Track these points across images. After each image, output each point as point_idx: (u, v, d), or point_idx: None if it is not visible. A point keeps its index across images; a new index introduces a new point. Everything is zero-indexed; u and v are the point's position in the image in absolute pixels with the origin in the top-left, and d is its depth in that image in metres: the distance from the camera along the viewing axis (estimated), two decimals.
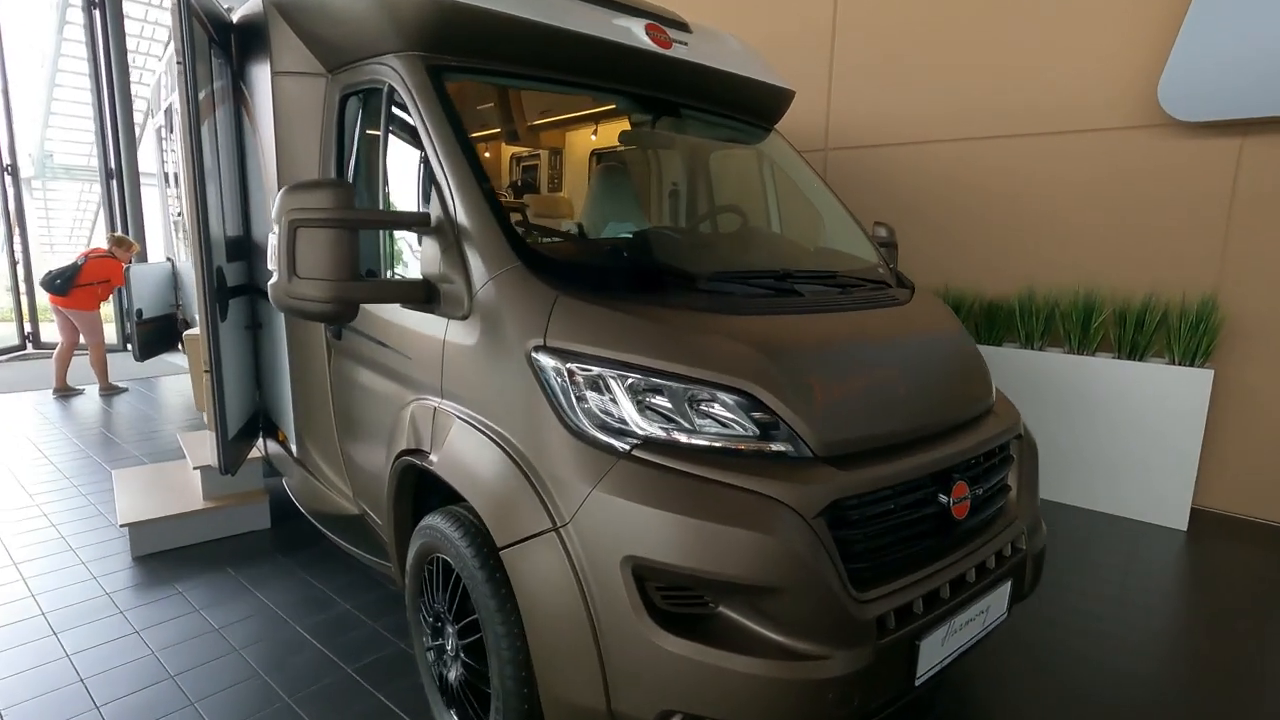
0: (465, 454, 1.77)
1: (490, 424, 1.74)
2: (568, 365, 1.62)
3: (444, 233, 1.89)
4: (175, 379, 7.55)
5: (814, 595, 1.48)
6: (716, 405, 1.58)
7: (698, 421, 1.57)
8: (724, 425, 1.58)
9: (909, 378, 1.95)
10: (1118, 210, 4.20)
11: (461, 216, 1.86)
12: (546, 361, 1.64)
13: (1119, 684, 2.43)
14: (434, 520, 1.94)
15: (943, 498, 1.80)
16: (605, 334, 1.64)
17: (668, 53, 2.52)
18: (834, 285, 2.29)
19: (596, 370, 1.60)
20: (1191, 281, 3.98)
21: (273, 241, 1.77)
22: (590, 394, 1.60)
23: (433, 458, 1.90)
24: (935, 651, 1.71)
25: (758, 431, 1.58)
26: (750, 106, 2.98)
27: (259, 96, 2.95)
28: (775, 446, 1.58)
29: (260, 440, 3.56)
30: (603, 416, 1.58)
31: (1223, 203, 3.91)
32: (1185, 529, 3.85)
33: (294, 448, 3.04)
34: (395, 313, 2.15)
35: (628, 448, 1.54)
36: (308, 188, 1.71)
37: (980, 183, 4.69)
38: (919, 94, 4.88)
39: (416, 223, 1.90)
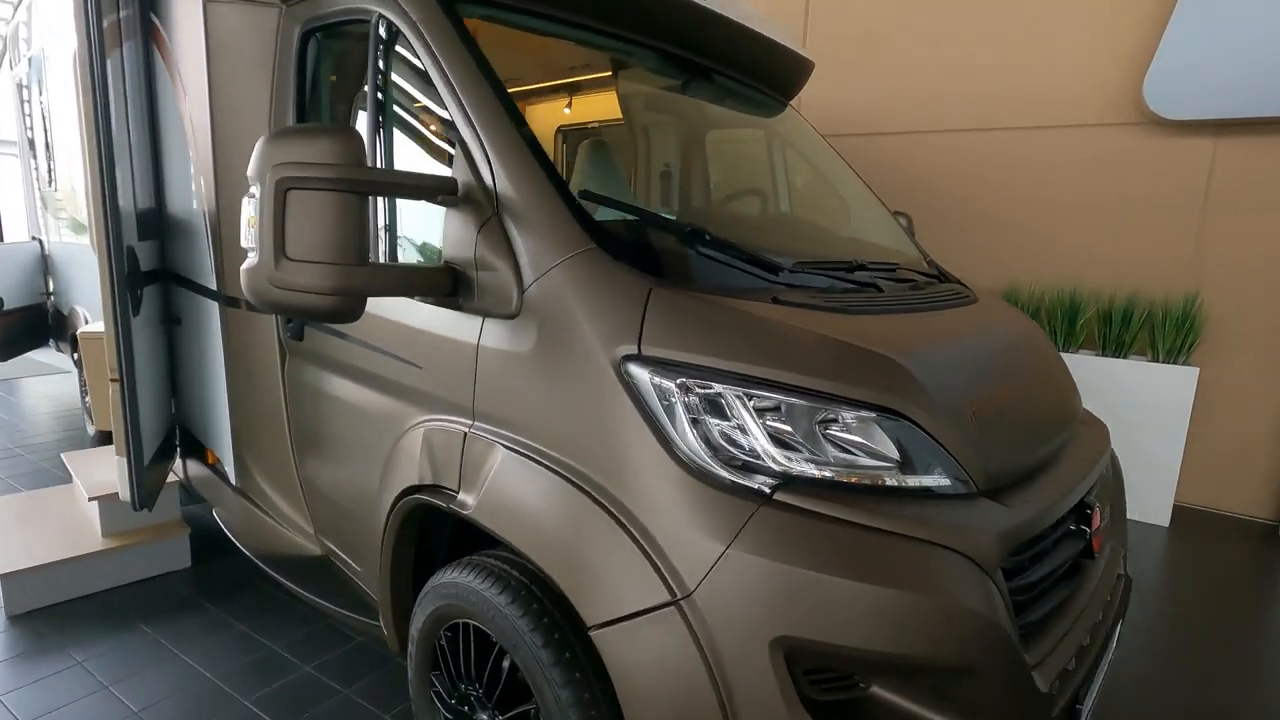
0: (525, 498, 1.35)
1: (560, 457, 1.32)
2: (678, 380, 1.22)
3: (477, 206, 1.44)
4: (46, 381, 6.46)
5: (1004, 669, 1.17)
6: (855, 430, 1.24)
7: (832, 452, 1.23)
8: (861, 455, 1.23)
9: (1031, 389, 1.69)
10: (1101, 206, 4.19)
11: (505, 186, 1.42)
12: (644, 375, 1.24)
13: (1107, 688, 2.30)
14: (461, 578, 1.49)
15: (1084, 528, 1.54)
16: (721, 338, 1.26)
17: (705, 3, 2.15)
18: (902, 280, 2.00)
19: (717, 387, 1.22)
20: (1173, 278, 4.01)
21: (247, 210, 1.28)
22: (710, 418, 1.22)
23: (465, 500, 1.46)
24: (1086, 711, 1.45)
25: (906, 462, 1.25)
26: (773, 75, 2.66)
27: (180, 30, 2.34)
28: (932, 481, 1.26)
29: (178, 461, 2.92)
30: (729, 448, 1.20)
31: (1198, 201, 3.95)
32: (1168, 525, 3.88)
33: (231, 473, 2.46)
34: (393, 307, 1.67)
35: (768, 489, 1.17)
36: (304, 136, 1.23)
37: (963, 176, 4.59)
38: (898, 85, 4.72)
39: (443, 191, 1.44)
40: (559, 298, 1.33)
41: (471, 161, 1.47)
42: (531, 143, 1.46)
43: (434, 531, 1.79)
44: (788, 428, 1.21)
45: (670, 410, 1.22)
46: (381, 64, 1.71)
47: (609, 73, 2.22)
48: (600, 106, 2.78)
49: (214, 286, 2.35)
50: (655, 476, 1.21)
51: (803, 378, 1.23)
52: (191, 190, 2.46)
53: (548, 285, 1.35)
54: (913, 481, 1.23)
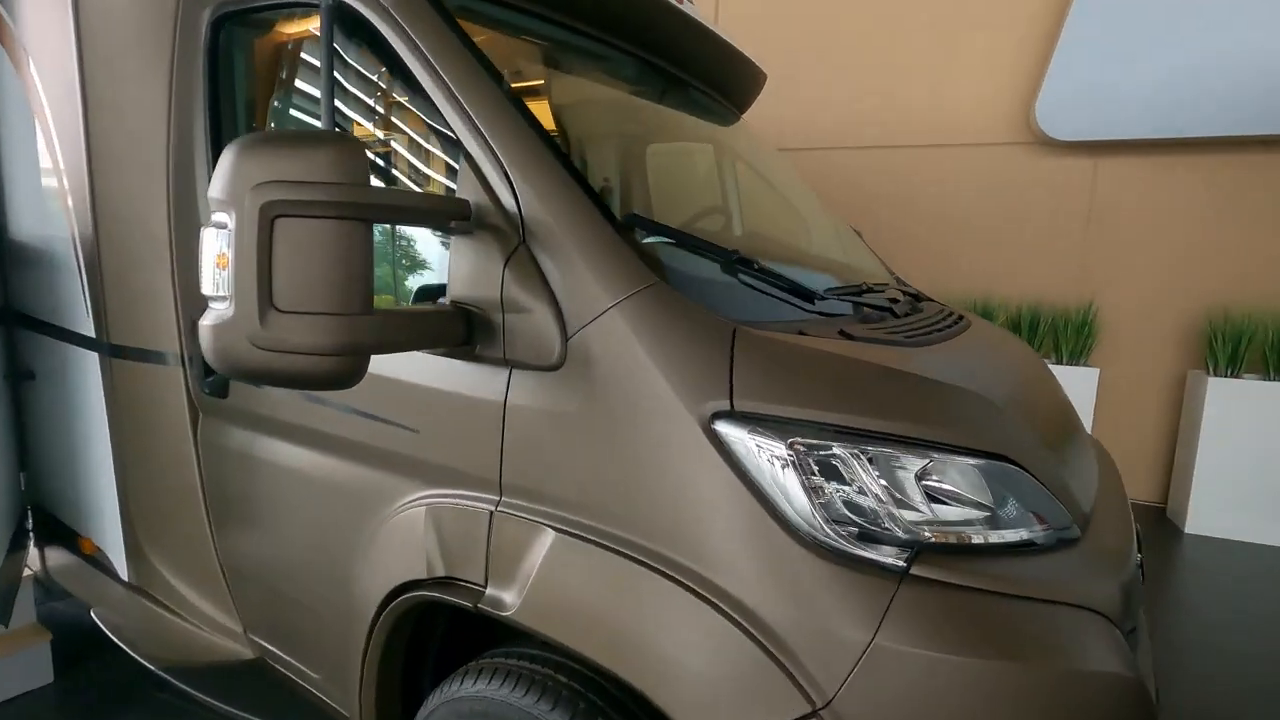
0: (592, 594, 1.09)
1: (636, 540, 1.08)
2: (790, 440, 1.03)
3: (497, 234, 1.17)
4: None
5: None
6: (969, 482, 1.10)
7: (953, 510, 1.08)
8: (979, 509, 1.09)
9: (1060, 415, 1.64)
10: (1000, 221, 4.45)
11: (533, 209, 1.16)
12: (740, 435, 1.04)
13: None
14: (488, 690, 1.21)
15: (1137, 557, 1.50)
16: (824, 386, 1.08)
17: (683, 7, 1.98)
18: (897, 300, 1.92)
19: (835, 446, 1.03)
20: (1070, 287, 4.33)
21: (211, 246, 0.94)
22: (826, 482, 1.03)
23: (500, 597, 1.17)
24: None
25: (1021, 512, 1.12)
26: (732, 87, 2.54)
27: (30, 6, 1.85)
28: (1052, 532, 1.14)
29: (34, 551, 2.33)
30: (852, 516, 1.02)
31: (1083, 216, 4.30)
32: None
33: (120, 565, 1.96)
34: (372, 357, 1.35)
35: (903, 563, 1.00)
36: (294, 146, 0.91)
37: (867, 191, 4.73)
38: (805, 103, 4.81)
39: (457, 215, 1.16)
40: (620, 345, 1.10)
41: (482, 179, 1.20)
42: (561, 155, 1.22)
43: (423, 624, 1.47)
44: (909, 487, 1.05)
45: (778, 475, 1.02)
46: (340, 61, 1.39)
47: (578, 75, 1.99)
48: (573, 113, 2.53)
49: (91, 333, 1.86)
50: (766, 556, 1.01)
51: (920, 428, 1.07)
52: (49, 209, 1.96)
53: (603, 330, 1.11)
54: (1040, 534, 1.11)
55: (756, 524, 1.02)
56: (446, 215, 1.14)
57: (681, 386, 1.06)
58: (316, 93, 1.50)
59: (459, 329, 1.17)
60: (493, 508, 1.21)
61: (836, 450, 1.03)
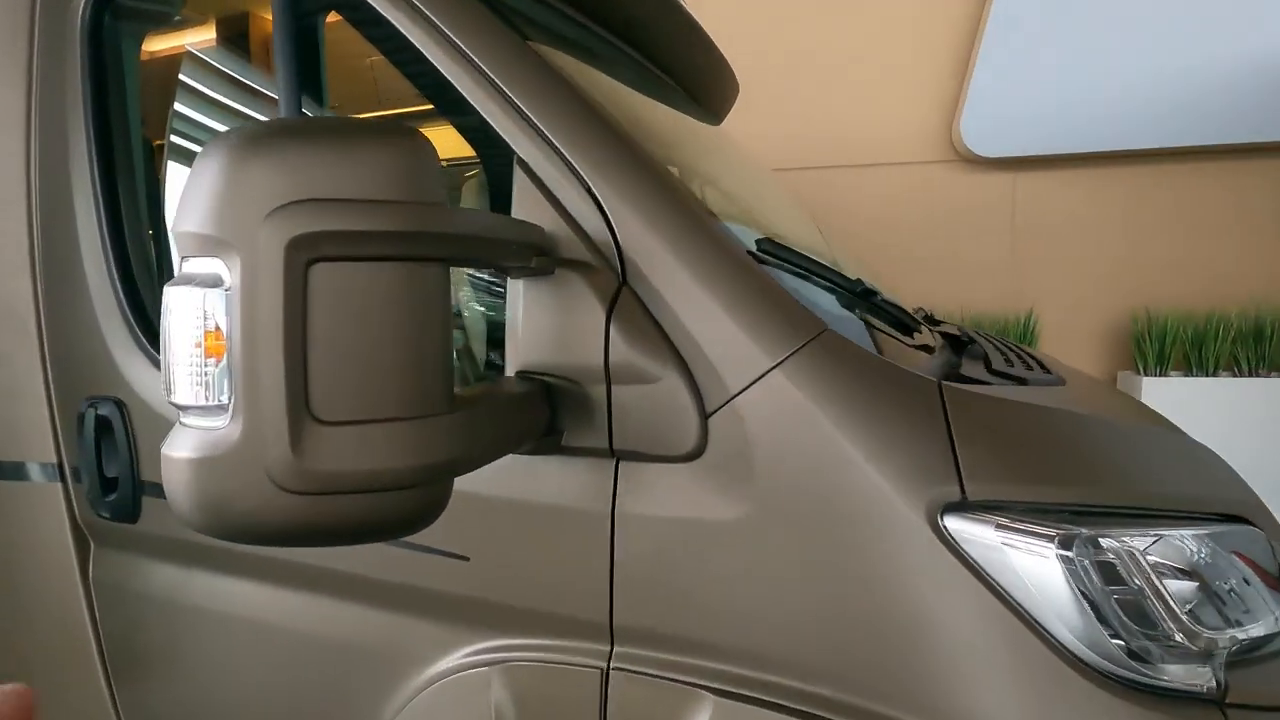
0: None
1: (846, 699, 0.75)
2: (1062, 535, 0.74)
3: (588, 274, 0.82)
4: None
5: None
6: (1222, 559, 0.86)
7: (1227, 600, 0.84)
8: (1246, 588, 0.87)
9: None
10: (934, 237, 4.51)
11: (637, 236, 0.83)
12: (981, 534, 0.74)
13: None
14: None
15: None
16: (1068, 456, 0.81)
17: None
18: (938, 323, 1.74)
19: (1114, 538, 0.76)
20: (1007, 299, 4.42)
21: (184, 318, 0.53)
22: (1105, 585, 0.75)
23: None
24: None
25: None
26: (711, 91, 2.31)
27: None
28: None
29: None
30: (1143, 629, 0.75)
31: (1008, 229, 4.43)
32: None
33: None
34: None
35: (1216, 685, 0.74)
36: (335, 141, 0.54)
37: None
38: (733, 125, 4.70)
39: (538, 250, 0.80)
40: (792, 419, 0.78)
41: (550, 198, 0.85)
42: (657, 164, 0.89)
43: None
44: (1190, 579, 0.80)
45: (1042, 582, 0.74)
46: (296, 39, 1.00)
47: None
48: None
49: None
50: (1041, 699, 0.72)
51: (1199, 501, 0.83)
52: None
53: (762, 400, 0.79)
54: None
55: (1022, 654, 0.73)
56: (525, 251, 0.78)
57: (892, 471, 0.76)
58: (265, 90, 1.10)
59: (541, 412, 0.81)
60: (603, 663, 0.84)
61: (1111, 540, 0.76)
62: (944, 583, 0.74)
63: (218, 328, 0.51)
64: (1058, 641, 0.73)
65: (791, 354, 0.79)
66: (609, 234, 0.84)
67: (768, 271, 0.86)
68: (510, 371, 0.85)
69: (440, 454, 0.59)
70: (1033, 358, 1.36)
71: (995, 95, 4.17)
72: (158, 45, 1.37)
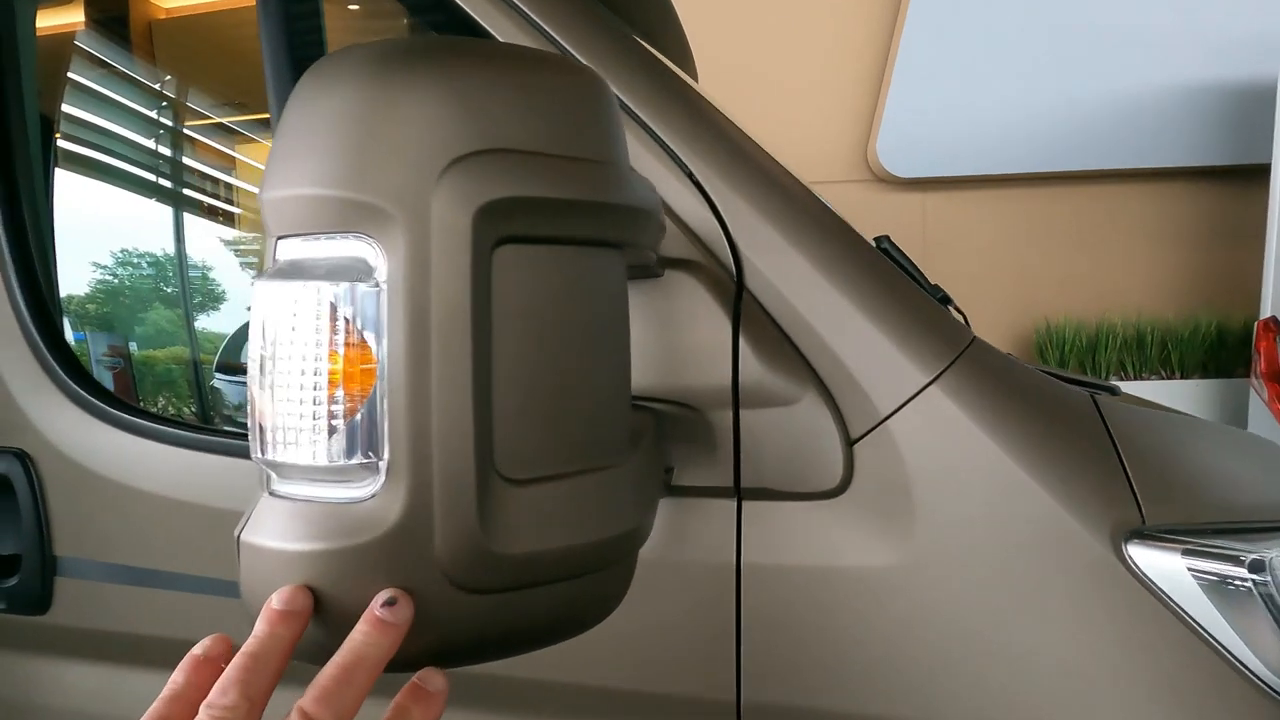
0: None
1: None
2: (1245, 558, 0.67)
3: (699, 275, 0.68)
4: None
5: None
6: None
7: None
8: None
9: None
10: None
11: (753, 231, 0.70)
12: (1169, 565, 0.66)
13: None
14: None
15: None
16: (1224, 474, 0.76)
17: None
18: None
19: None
20: None
21: (292, 335, 0.34)
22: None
23: None
24: None
25: None
26: None
27: None
28: None
29: None
30: None
31: (919, 247, 4.66)
32: None
33: None
34: None
35: None
36: (514, 69, 0.37)
37: None
38: None
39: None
40: (953, 444, 0.66)
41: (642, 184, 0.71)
42: (755, 144, 0.77)
43: None
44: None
45: (1240, 613, 0.66)
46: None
47: None
48: None
49: None
50: None
51: None
52: None
53: (916, 423, 0.67)
54: None
55: (1224, 693, 0.65)
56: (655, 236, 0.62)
57: (1071, 496, 0.66)
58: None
59: (657, 448, 0.65)
60: None
61: None
62: (1136, 620, 0.65)
63: (362, 340, 0.32)
64: (1257, 677, 0.66)
65: (949, 366, 0.68)
66: (719, 226, 0.70)
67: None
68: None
69: (631, 513, 0.43)
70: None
71: (908, 118, 4.38)
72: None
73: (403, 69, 0.34)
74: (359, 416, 0.33)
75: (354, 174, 0.32)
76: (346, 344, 0.32)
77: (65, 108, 1.21)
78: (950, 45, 4.27)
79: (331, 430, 0.33)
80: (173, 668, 0.79)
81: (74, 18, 1.23)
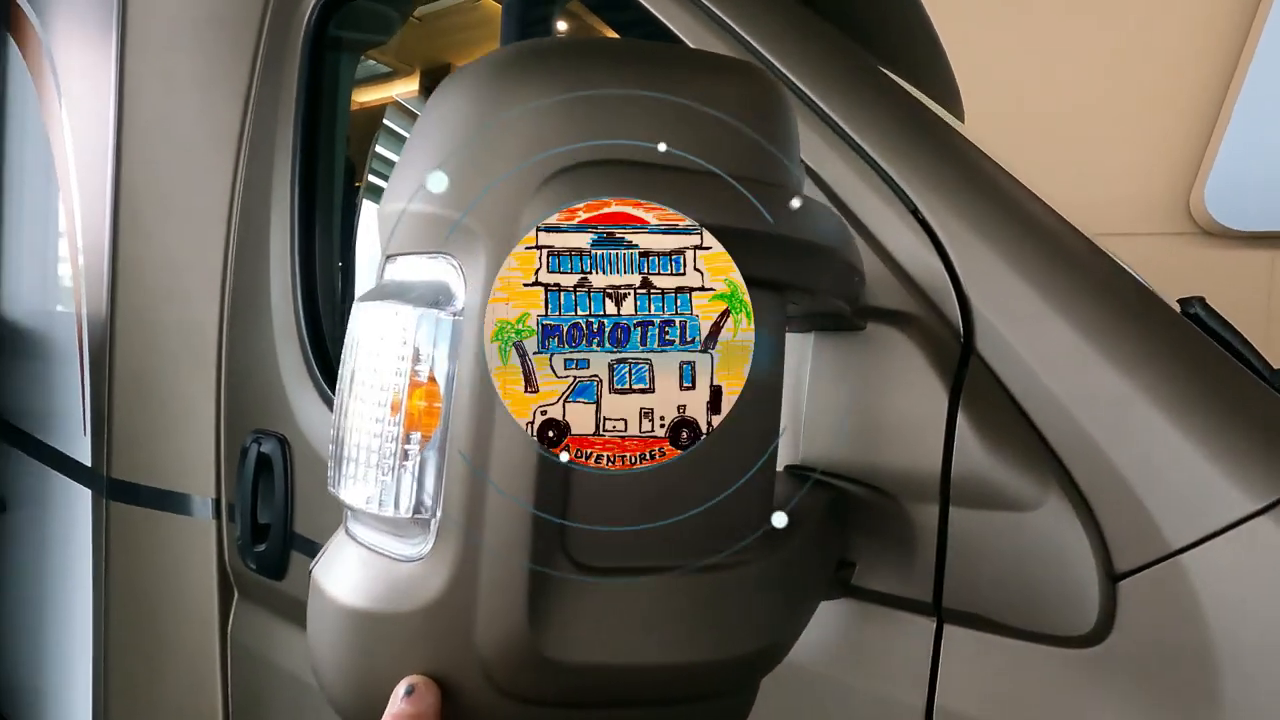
0: None
1: None
2: None
3: (913, 331, 0.55)
4: None
5: None
6: None
7: None
8: None
9: None
10: None
11: (995, 279, 0.55)
12: None
13: None
14: None
15: None
16: None
17: None
18: None
19: None
20: None
21: (368, 363, 0.31)
22: None
23: None
24: None
25: None
26: None
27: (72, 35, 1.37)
28: None
29: None
30: None
31: (1261, 321, 3.68)
32: None
33: None
34: None
35: None
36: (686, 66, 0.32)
37: None
38: None
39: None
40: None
41: (853, 220, 0.60)
42: (1006, 175, 0.62)
43: None
44: None
45: None
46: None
47: None
48: None
49: (84, 458, 1.26)
50: None
51: None
52: (53, 274, 1.42)
53: (1229, 561, 0.46)
54: None
55: None
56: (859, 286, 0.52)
57: None
58: None
59: (836, 536, 0.53)
60: None
61: None
62: None
63: (431, 378, 0.28)
64: None
65: None
66: (946, 275, 0.57)
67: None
68: (781, 465, 0.59)
69: (761, 626, 0.33)
70: None
71: (1250, 159, 3.51)
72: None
73: (513, 74, 0.30)
74: (419, 462, 0.28)
75: (446, 187, 0.29)
76: (412, 378, 0.28)
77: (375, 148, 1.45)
78: None
79: (391, 474, 0.29)
80: None
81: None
